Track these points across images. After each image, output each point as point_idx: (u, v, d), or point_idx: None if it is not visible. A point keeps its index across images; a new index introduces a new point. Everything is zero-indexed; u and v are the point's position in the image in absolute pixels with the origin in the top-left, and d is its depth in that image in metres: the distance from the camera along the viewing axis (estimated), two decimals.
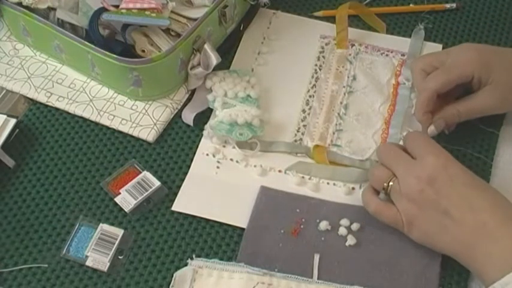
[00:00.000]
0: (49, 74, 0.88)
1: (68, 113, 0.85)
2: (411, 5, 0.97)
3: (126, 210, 0.76)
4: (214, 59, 0.85)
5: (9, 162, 0.80)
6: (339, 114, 0.86)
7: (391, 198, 0.72)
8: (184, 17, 0.87)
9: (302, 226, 0.75)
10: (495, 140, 0.83)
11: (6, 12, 0.87)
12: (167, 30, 0.86)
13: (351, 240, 0.74)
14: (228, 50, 0.91)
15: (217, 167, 0.81)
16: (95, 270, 0.73)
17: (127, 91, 0.85)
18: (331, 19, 0.95)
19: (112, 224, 0.76)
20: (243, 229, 0.75)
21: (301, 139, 0.84)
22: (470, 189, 0.69)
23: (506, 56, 0.80)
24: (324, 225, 0.75)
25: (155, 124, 0.84)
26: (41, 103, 0.86)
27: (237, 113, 0.82)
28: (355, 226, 0.75)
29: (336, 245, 0.74)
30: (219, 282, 0.70)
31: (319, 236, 0.74)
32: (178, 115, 0.85)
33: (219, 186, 0.79)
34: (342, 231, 0.75)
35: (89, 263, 0.73)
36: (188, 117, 0.85)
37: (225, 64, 0.89)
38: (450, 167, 0.70)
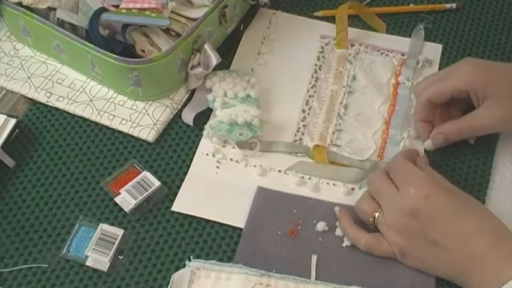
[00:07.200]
0: (49, 74, 0.89)
1: (68, 113, 0.85)
2: (411, 5, 0.97)
3: (126, 210, 0.76)
4: (214, 59, 0.85)
5: (9, 162, 0.80)
6: (338, 114, 0.86)
7: (379, 230, 0.72)
8: (184, 17, 0.87)
9: (299, 227, 0.75)
10: (494, 141, 0.83)
11: (6, 12, 0.88)
12: (167, 30, 0.86)
13: (348, 241, 0.74)
14: (228, 50, 0.91)
15: (217, 167, 0.81)
16: (95, 270, 0.73)
17: (127, 91, 0.85)
18: (331, 19, 0.95)
19: (112, 224, 0.76)
20: (243, 229, 0.75)
21: (301, 139, 0.84)
22: (454, 218, 0.68)
23: (504, 70, 0.79)
24: (321, 225, 0.75)
25: (155, 124, 0.84)
26: (41, 103, 0.87)
27: (237, 113, 0.82)
28: None
29: (333, 246, 0.74)
30: (217, 284, 0.70)
31: (317, 237, 0.75)
32: (178, 115, 0.86)
33: (219, 186, 0.79)
34: (339, 231, 0.75)
35: (89, 263, 0.73)
36: (188, 117, 0.85)
37: (225, 64, 0.89)
38: (432, 197, 0.69)
